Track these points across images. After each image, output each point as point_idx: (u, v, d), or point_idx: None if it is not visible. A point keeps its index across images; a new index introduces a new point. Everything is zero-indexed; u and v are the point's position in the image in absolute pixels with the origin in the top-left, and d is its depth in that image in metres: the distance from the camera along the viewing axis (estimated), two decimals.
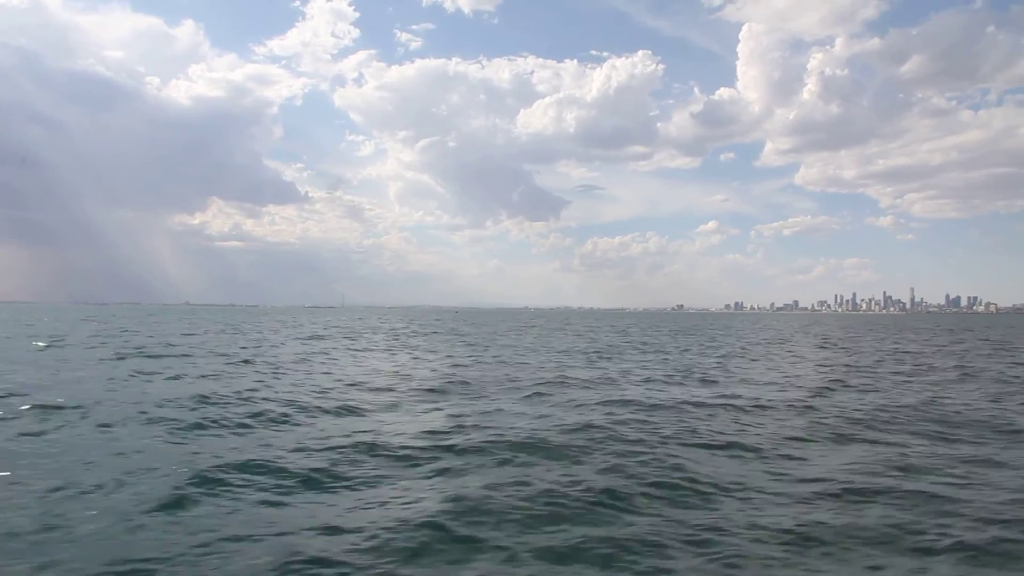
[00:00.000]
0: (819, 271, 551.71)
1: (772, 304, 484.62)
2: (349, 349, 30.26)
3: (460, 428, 10.75)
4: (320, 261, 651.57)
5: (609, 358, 26.41)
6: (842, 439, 10.44)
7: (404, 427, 10.92)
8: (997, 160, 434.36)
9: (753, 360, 26.45)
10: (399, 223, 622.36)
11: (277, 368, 20.13)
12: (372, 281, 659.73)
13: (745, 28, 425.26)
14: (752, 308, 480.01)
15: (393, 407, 13.13)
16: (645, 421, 11.55)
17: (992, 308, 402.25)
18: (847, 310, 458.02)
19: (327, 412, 12.18)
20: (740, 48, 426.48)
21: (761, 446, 9.71)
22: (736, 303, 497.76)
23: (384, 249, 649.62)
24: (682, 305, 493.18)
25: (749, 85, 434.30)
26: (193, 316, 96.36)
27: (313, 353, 26.65)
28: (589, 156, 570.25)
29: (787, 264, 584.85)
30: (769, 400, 14.18)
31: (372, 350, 29.98)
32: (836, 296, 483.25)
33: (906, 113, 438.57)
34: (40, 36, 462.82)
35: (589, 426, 10.77)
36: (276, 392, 14.55)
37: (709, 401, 14.02)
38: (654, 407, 13.11)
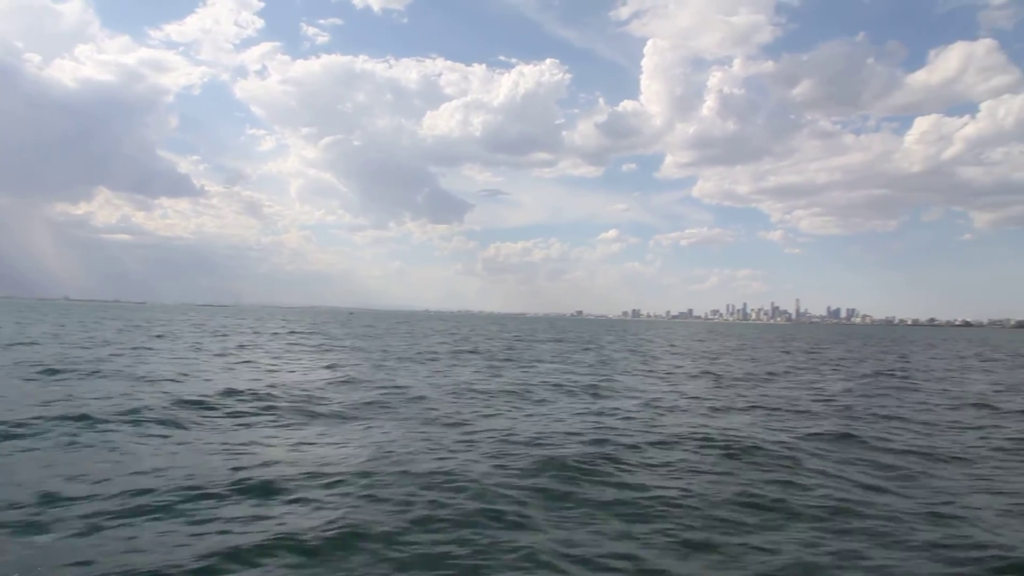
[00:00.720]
0: (713, 281, 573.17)
1: (668, 312, 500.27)
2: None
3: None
4: (215, 258, 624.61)
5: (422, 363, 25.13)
6: None
7: None
8: (875, 182, 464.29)
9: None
10: (300, 221, 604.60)
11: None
12: (271, 280, 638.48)
13: (650, 43, 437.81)
14: (649, 315, 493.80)
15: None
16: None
17: (868, 319, 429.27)
18: (738, 319, 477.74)
19: None
20: (645, 62, 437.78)
21: None
22: (634, 310, 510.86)
23: (283, 247, 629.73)
24: (581, 311, 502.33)
25: (652, 99, 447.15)
26: (55, 313, 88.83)
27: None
28: (495, 161, 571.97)
29: (684, 273, 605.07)
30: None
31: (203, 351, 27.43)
32: (728, 305, 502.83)
33: (796, 133, 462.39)
34: None
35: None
36: None
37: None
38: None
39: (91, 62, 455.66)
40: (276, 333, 48.16)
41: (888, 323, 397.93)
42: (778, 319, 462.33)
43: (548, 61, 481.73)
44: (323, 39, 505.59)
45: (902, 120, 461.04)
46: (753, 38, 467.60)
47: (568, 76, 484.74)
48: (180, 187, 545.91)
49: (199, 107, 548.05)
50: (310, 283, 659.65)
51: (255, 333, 47.01)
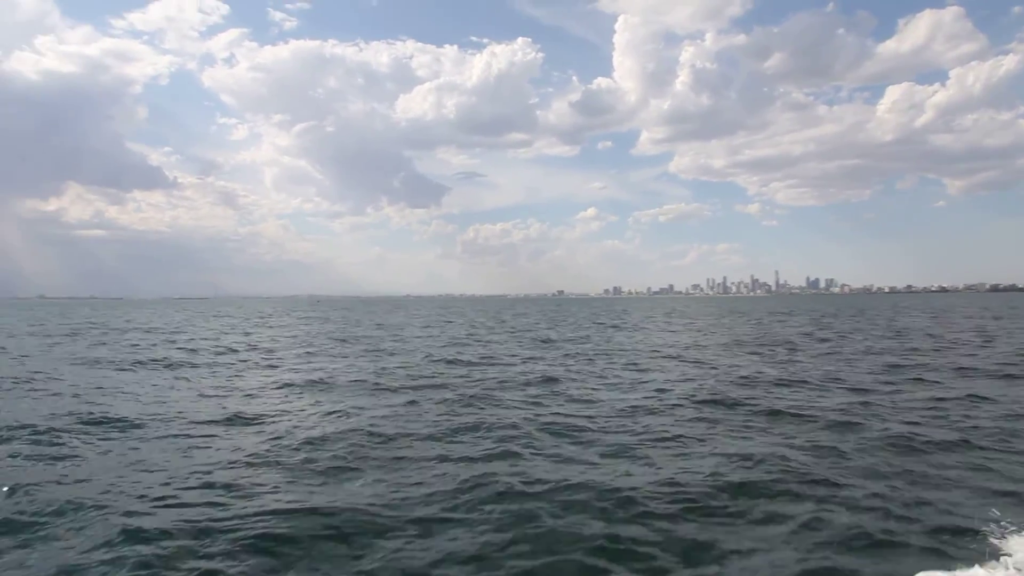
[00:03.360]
0: (693, 256, 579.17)
1: (649, 288, 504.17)
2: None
3: None
4: (192, 250, 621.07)
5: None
6: None
7: None
8: (848, 152, 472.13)
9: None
10: (276, 210, 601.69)
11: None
12: (249, 270, 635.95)
13: (621, 19, 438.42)
14: (630, 292, 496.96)
15: None
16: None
17: (846, 289, 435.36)
18: (719, 293, 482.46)
19: None
20: (616, 39, 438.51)
21: None
22: (615, 288, 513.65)
23: (261, 237, 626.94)
24: (562, 291, 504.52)
25: (625, 75, 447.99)
26: (28, 312, 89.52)
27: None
28: (470, 143, 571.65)
29: (663, 249, 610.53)
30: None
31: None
32: (708, 280, 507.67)
33: (770, 106, 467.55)
34: None
35: None
36: None
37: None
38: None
39: (52, 53, 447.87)
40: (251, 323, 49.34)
41: (866, 291, 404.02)
42: (758, 292, 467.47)
43: (520, 40, 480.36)
44: (291, 24, 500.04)
45: (873, 90, 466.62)
46: (724, 11, 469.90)
47: (540, 55, 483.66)
48: (153, 179, 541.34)
49: (167, 97, 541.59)
50: (289, 272, 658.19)
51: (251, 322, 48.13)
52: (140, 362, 21.66)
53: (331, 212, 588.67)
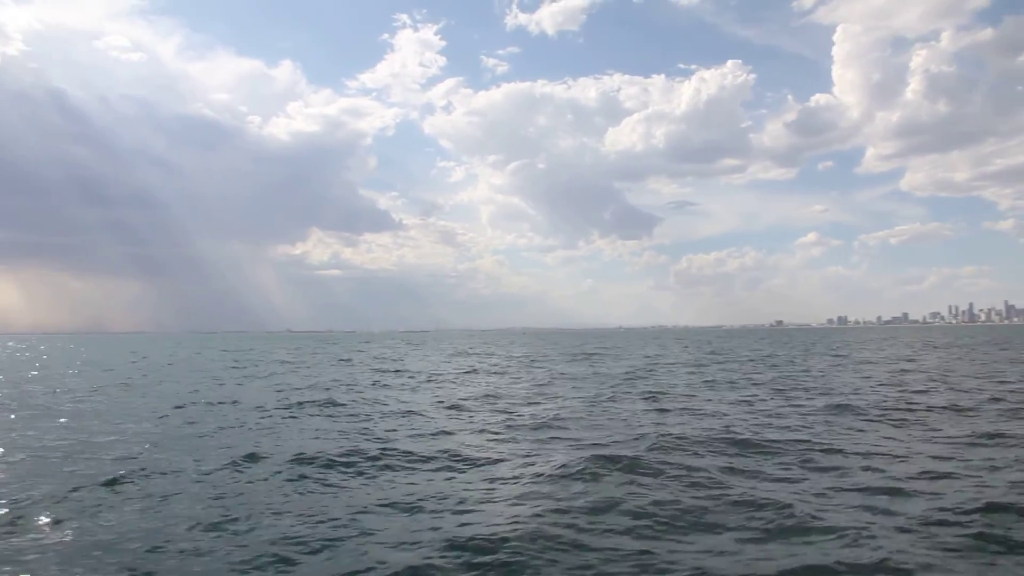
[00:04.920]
0: (931, 281, 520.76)
1: (879, 317, 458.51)
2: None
3: None
4: (416, 286, 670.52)
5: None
6: None
7: None
8: None
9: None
10: (492, 246, 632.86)
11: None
12: (467, 305, 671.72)
13: (840, 30, 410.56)
14: (857, 322, 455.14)
15: None
16: None
17: None
18: (963, 321, 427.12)
19: None
20: (835, 51, 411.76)
21: None
22: (839, 317, 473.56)
23: (478, 272, 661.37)
24: (781, 321, 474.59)
25: (846, 89, 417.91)
26: (323, 345, 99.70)
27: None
28: (680, 171, 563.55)
29: (895, 275, 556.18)
30: None
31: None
32: (951, 307, 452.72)
33: None
34: (156, 85, 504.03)
35: None
36: None
37: None
38: None
39: (300, 116, 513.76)
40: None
41: None
42: (1014, 319, 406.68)
43: (729, 63, 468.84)
44: (502, 68, 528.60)
45: None
46: (966, 5, 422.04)
47: (752, 76, 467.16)
48: (381, 222, 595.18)
49: (393, 146, 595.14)
50: (505, 306, 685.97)
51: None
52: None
53: (544, 246, 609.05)
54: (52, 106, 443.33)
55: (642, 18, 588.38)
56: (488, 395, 21.09)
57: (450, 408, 17.75)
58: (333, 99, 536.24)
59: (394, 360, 45.62)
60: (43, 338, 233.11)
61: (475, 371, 33.90)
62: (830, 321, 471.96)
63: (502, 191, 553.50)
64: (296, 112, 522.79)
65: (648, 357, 45.87)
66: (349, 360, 45.93)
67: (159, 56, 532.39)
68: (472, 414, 16.67)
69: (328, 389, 23.58)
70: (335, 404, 18.56)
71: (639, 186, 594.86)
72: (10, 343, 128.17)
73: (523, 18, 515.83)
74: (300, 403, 18.65)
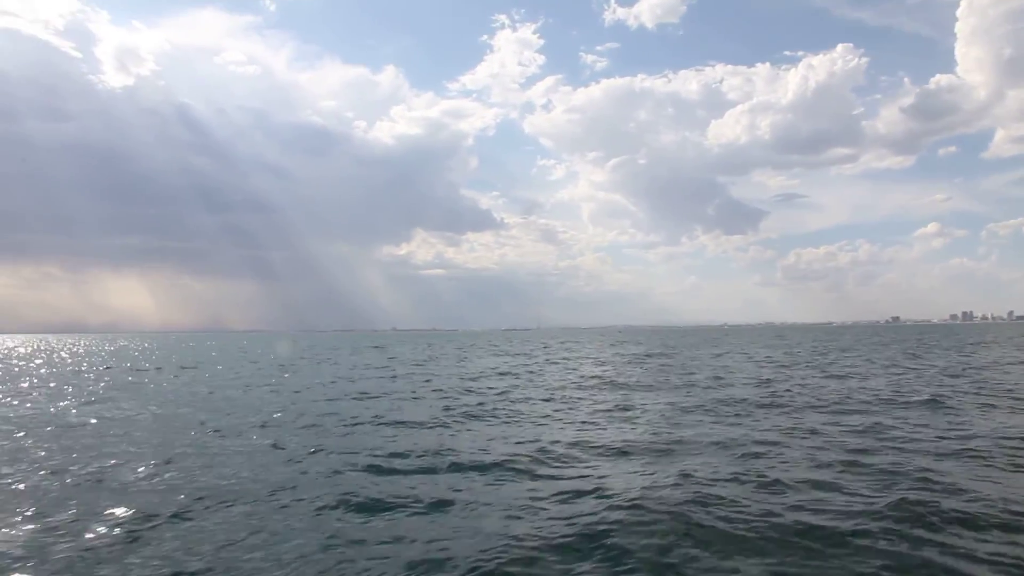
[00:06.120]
0: None
1: (1011, 313, 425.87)
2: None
3: None
4: (518, 285, 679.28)
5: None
6: None
7: None
8: None
9: None
10: (593, 244, 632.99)
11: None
12: (569, 302, 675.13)
13: (964, 4, 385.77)
14: (984, 317, 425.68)
15: None
16: None
17: None
18: None
19: None
20: (959, 27, 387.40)
21: None
22: (964, 312, 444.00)
23: (580, 270, 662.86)
24: (898, 317, 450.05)
25: (971, 68, 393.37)
26: (460, 343, 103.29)
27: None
28: (787, 163, 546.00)
29: None
30: None
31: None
32: None
33: None
34: (268, 96, 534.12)
35: None
36: None
37: None
38: None
39: (403, 119, 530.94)
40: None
41: None
42: None
43: (839, 47, 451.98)
44: (601, 64, 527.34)
45: None
46: None
47: (864, 60, 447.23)
48: (483, 221, 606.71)
49: (494, 146, 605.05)
50: (608, 303, 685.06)
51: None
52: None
53: (646, 243, 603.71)
54: (178, 120, 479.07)
55: (744, 6, 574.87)
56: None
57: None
58: (435, 102, 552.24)
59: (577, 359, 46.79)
60: (180, 336, 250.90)
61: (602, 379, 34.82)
62: (953, 317, 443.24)
63: (603, 188, 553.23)
64: (399, 116, 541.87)
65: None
66: (562, 360, 45.38)
67: (272, 68, 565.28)
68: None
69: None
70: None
71: (744, 179, 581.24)
72: (145, 343, 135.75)
73: (621, 13, 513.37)
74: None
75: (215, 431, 14.37)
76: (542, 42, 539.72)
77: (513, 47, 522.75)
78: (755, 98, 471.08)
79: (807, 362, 36.66)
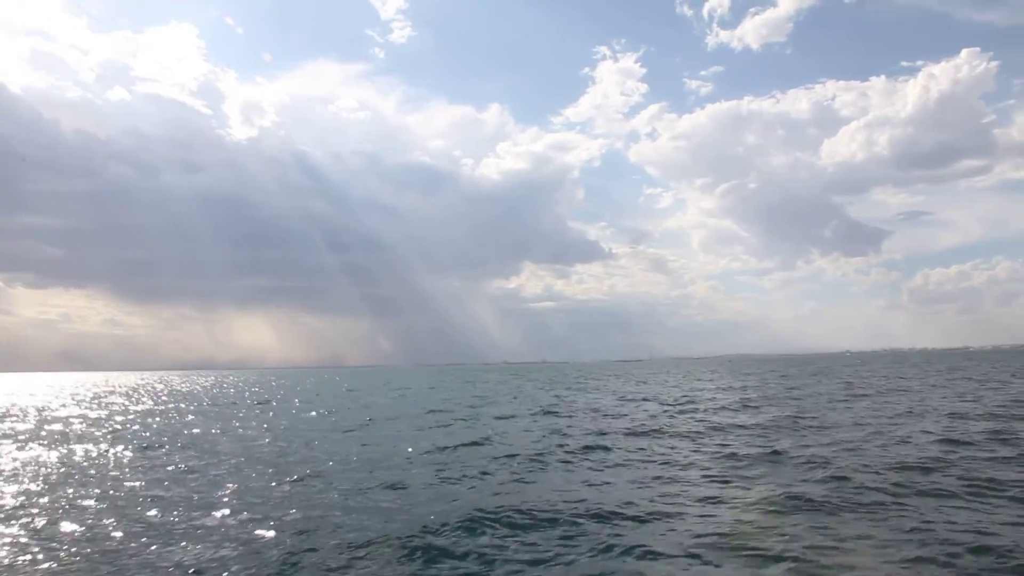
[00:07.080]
0: None
1: None
2: None
3: None
4: (628, 315, 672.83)
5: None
6: None
7: None
8: None
9: None
10: (705, 272, 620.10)
11: None
12: (681, 332, 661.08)
13: None
14: None
15: None
16: None
17: None
18: None
19: None
20: None
21: None
22: None
23: (692, 299, 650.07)
24: None
25: None
26: (577, 375, 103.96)
27: None
28: (909, 179, 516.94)
29: None
30: None
31: None
32: None
33: None
34: (380, 140, 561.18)
35: None
36: None
37: None
38: None
39: (509, 155, 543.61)
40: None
41: None
42: None
43: (964, 52, 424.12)
44: (706, 89, 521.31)
45: None
46: None
47: (993, 64, 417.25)
48: (591, 253, 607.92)
49: (599, 177, 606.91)
50: (721, 332, 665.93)
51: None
52: None
53: (759, 269, 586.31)
54: (296, 167, 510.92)
55: (855, 18, 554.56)
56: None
57: None
58: (539, 136, 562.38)
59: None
60: (301, 372, 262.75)
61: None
62: None
63: (712, 214, 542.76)
64: (505, 151, 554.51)
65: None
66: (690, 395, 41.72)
67: (382, 112, 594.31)
68: None
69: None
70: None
71: (862, 198, 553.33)
72: (274, 378, 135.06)
73: (724, 36, 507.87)
74: None
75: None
76: (644, 71, 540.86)
77: (615, 77, 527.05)
78: (871, 113, 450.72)
79: None
